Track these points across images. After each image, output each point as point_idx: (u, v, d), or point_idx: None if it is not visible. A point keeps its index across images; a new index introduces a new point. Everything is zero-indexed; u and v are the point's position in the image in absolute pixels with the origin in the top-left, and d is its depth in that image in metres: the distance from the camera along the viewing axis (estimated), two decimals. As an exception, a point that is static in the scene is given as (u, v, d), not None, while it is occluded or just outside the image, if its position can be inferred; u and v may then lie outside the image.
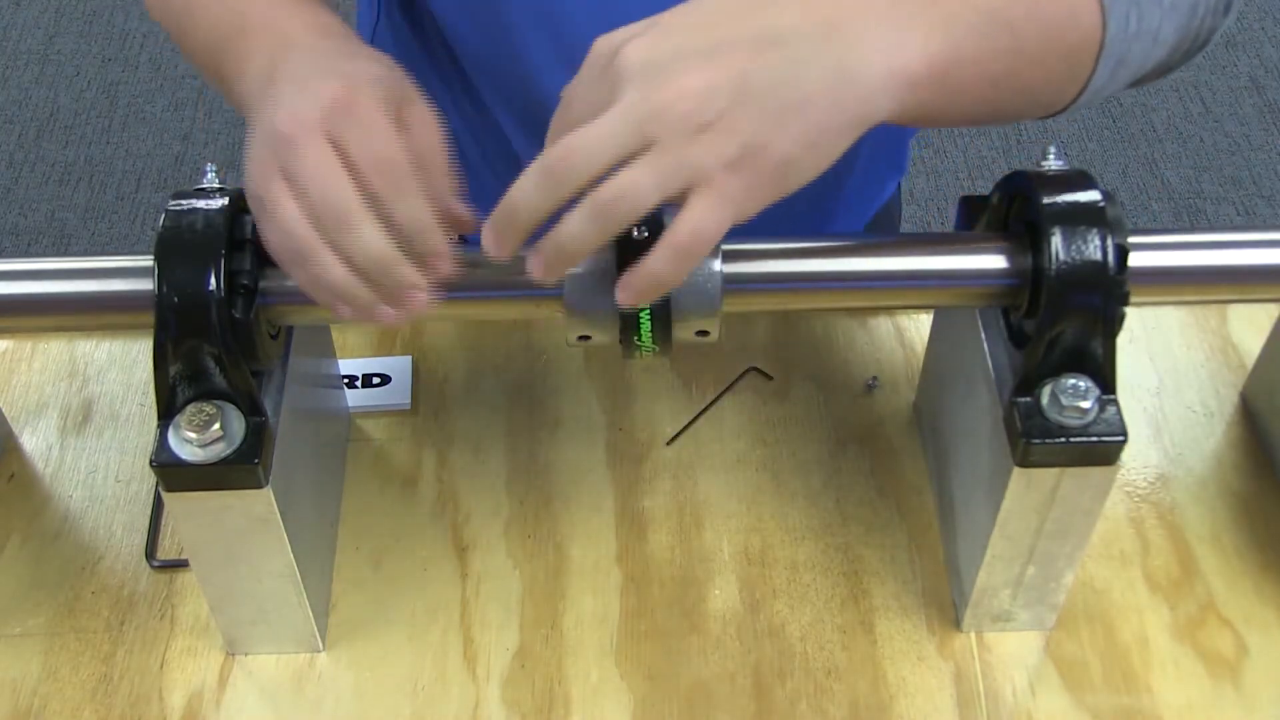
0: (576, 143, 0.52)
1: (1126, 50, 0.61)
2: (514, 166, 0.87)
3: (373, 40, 0.94)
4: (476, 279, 0.63)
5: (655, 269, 0.54)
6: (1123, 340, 0.62)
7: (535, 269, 0.55)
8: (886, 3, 0.54)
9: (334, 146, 0.55)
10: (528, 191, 0.53)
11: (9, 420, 0.84)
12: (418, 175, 0.57)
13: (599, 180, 0.52)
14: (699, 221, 0.52)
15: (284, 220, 0.56)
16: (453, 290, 0.64)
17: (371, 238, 0.55)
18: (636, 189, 0.52)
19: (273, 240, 0.57)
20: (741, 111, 0.51)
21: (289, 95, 0.57)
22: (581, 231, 0.53)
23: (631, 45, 0.53)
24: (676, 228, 0.53)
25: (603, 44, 0.55)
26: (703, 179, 0.52)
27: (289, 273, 0.58)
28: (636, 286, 0.55)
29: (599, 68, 0.54)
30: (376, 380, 0.86)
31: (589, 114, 0.53)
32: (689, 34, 0.53)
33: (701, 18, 0.54)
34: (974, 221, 0.68)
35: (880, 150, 0.95)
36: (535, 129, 0.85)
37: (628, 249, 0.59)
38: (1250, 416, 0.83)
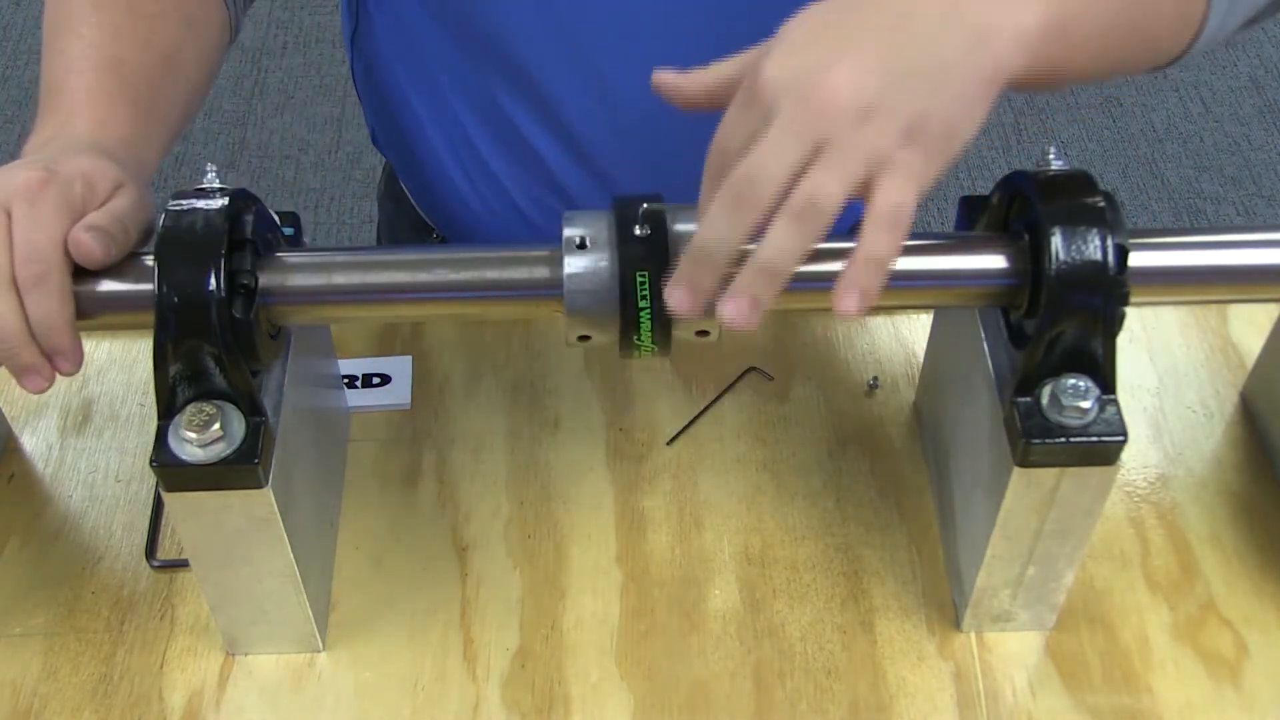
0: (754, 167, 0.53)
1: None
2: (528, 156, 0.88)
3: (352, 43, 0.94)
4: (476, 279, 0.63)
5: (872, 250, 0.53)
6: (1123, 340, 0.62)
7: (739, 311, 0.54)
8: None
9: (5, 220, 0.60)
10: (719, 228, 0.54)
11: (9, 420, 0.84)
12: (62, 274, 0.60)
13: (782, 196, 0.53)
14: (893, 195, 0.53)
15: None
16: (454, 290, 0.64)
17: (5, 310, 0.59)
18: (825, 188, 0.52)
19: None
20: (895, 90, 0.53)
21: (7, 167, 0.62)
22: (785, 245, 0.53)
23: (767, 64, 0.54)
24: (875, 204, 0.53)
25: (727, 72, 0.56)
26: (882, 161, 0.53)
27: None
28: (858, 277, 0.53)
29: (743, 97, 0.55)
30: (376, 380, 0.86)
31: (749, 141, 0.53)
32: (818, 39, 0.54)
33: (823, 22, 0.55)
34: (974, 221, 0.68)
35: None
36: (540, 114, 0.86)
37: (628, 245, 0.59)
38: (1250, 416, 0.83)
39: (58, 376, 0.62)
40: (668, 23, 0.80)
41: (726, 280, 0.54)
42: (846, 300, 0.53)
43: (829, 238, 0.66)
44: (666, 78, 0.59)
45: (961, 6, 0.54)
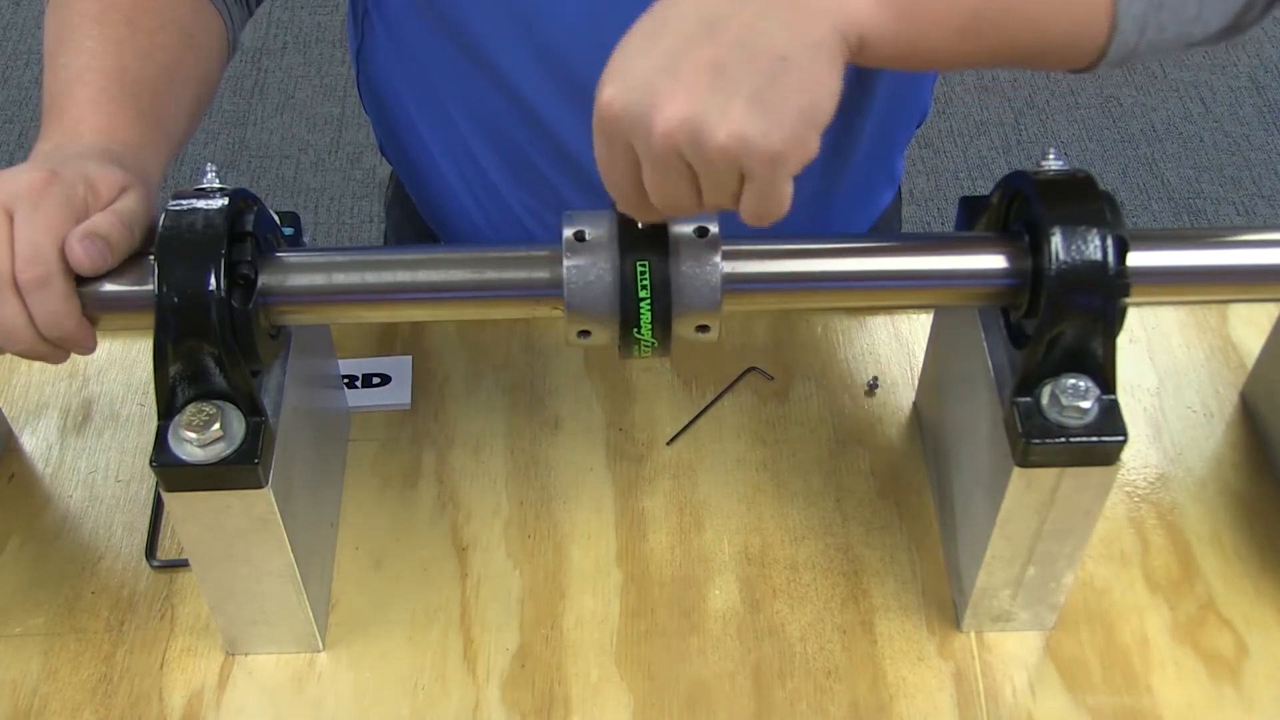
0: (666, 203, 0.55)
1: None
2: (531, 175, 0.88)
3: (358, 55, 0.94)
4: (476, 279, 0.63)
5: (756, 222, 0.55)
6: (1123, 340, 0.62)
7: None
8: None
9: (7, 221, 0.60)
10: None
11: (9, 420, 0.84)
12: (64, 275, 0.60)
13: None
14: (751, 207, 0.54)
15: None
16: (454, 290, 0.64)
17: (10, 312, 0.60)
18: (725, 205, 0.55)
19: None
20: (724, 93, 0.52)
21: (10, 170, 0.63)
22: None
23: (604, 89, 0.54)
24: (745, 216, 0.55)
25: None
26: (744, 170, 0.53)
27: None
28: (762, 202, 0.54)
29: (598, 128, 0.55)
30: (376, 380, 0.86)
31: (632, 169, 0.55)
32: (645, 52, 0.53)
33: (647, 32, 0.54)
34: (974, 221, 0.68)
35: (871, 161, 0.95)
36: (538, 134, 0.86)
37: (628, 236, 0.60)
38: (1250, 416, 0.83)
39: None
40: None
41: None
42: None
43: (829, 238, 0.66)
44: None
45: None
